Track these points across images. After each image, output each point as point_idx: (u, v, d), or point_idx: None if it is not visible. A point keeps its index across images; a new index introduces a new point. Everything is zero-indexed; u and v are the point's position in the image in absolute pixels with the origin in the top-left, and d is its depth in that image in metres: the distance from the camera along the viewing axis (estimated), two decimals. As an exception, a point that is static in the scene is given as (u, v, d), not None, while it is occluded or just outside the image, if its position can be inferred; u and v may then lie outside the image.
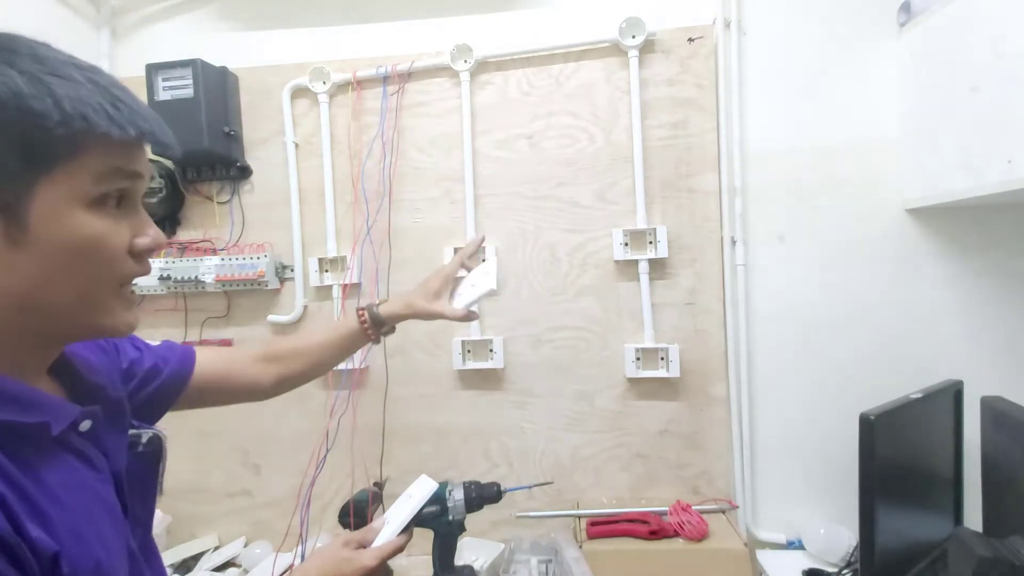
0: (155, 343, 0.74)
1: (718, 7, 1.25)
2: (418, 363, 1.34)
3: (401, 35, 1.36)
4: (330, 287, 1.35)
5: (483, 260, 1.22)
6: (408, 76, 1.32)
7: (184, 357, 0.76)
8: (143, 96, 1.30)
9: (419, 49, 1.32)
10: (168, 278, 1.34)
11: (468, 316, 0.95)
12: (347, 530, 0.90)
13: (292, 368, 0.89)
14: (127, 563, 0.53)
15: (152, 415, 0.71)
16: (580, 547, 1.14)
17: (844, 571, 1.13)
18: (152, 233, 0.50)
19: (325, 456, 1.29)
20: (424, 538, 1.09)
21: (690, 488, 1.29)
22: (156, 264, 1.34)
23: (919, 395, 1.06)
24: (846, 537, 1.16)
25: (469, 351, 1.32)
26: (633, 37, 1.24)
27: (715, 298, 1.27)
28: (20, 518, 0.42)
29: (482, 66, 1.31)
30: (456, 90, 1.31)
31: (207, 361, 0.79)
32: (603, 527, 1.18)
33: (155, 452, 0.60)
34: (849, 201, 1.25)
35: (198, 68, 1.26)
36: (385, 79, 1.33)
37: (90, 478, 0.51)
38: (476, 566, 1.17)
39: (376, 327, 0.93)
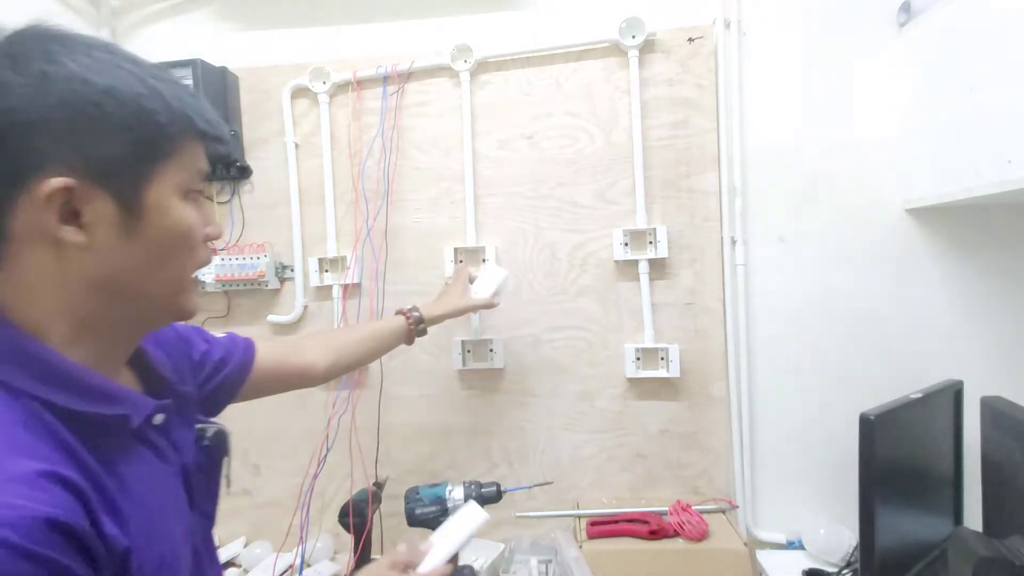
0: (220, 335, 0.78)
1: (718, 7, 1.25)
2: (418, 363, 1.34)
3: (401, 35, 1.36)
4: (330, 287, 1.35)
5: (484, 260, 1.30)
6: (408, 76, 1.32)
7: (247, 348, 0.80)
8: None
9: (419, 49, 1.32)
10: (168, 278, 1.34)
11: (492, 303, 1.17)
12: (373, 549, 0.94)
13: (344, 358, 0.96)
14: (191, 557, 0.55)
15: (218, 406, 0.74)
16: (580, 547, 1.14)
17: (844, 571, 1.14)
18: (216, 223, 0.55)
19: (325, 456, 1.29)
20: (424, 538, 1.09)
21: (690, 488, 1.29)
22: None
23: (919, 395, 1.06)
24: (846, 537, 1.16)
25: (469, 351, 1.32)
26: (633, 37, 1.24)
27: (715, 298, 1.27)
28: (97, 512, 0.43)
29: (482, 66, 1.31)
30: (456, 90, 1.31)
31: (265, 351, 0.82)
32: (603, 527, 1.18)
33: (219, 447, 0.62)
34: (849, 201, 1.25)
35: (198, 68, 1.26)
36: (385, 79, 1.33)
37: (161, 471, 0.53)
38: (476, 566, 1.17)
39: (419, 331, 1.07)
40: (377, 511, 1.15)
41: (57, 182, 0.43)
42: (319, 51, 1.37)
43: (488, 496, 1.07)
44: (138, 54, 0.50)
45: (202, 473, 0.59)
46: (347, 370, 1.00)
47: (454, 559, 0.75)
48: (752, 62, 1.26)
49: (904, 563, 1.04)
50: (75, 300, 0.47)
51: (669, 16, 1.26)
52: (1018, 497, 0.95)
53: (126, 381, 0.55)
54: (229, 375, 0.74)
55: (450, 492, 1.05)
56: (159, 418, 0.53)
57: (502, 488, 1.08)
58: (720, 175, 1.26)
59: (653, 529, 1.14)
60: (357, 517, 1.11)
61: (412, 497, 1.07)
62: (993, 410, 1.03)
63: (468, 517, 0.82)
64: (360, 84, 1.33)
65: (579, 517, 1.24)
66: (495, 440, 1.34)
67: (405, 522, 1.07)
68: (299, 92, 1.36)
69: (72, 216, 0.45)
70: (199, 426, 0.60)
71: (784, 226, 1.27)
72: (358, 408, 1.32)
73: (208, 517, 0.61)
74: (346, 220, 1.35)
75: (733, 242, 1.26)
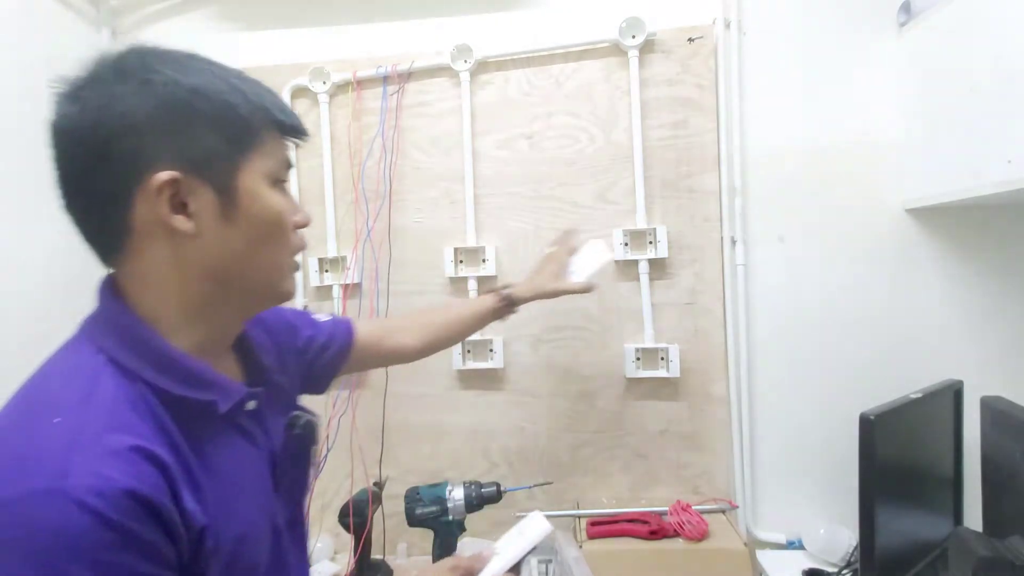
0: (324, 319, 0.83)
1: (718, 7, 1.25)
2: (418, 363, 1.33)
3: (401, 35, 1.36)
4: (330, 287, 1.35)
5: (589, 241, 1.15)
6: (408, 76, 1.32)
7: (347, 330, 0.84)
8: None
9: (419, 49, 1.32)
10: (168, 278, 1.34)
11: (589, 287, 1.07)
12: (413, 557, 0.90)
13: (439, 337, 1.00)
14: (270, 537, 0.57)
15: (323, 384, 0.81)
16: (580, 547, 1.14)
17: (844, 571, 1.14)
18: (303, 211, 0.59)
19: (325, 456, 1.29)
20: (424, 538, 1.09)
21: (690, 488, 1.29)
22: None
23: (919, 395, 1.06)
24: (846, 537, 1.16)
25: (469, 351, 1.32)
26: (633, 37, 1.24)
27: (715, 298, 1.27)
28: (180, 490, 0.46)
29: (482, 66, 1.31)
30: (456, 90, 1.31)
31: (363, 332, 0.87)
32: (603, 527, 1.18)
33: (309, 435, 0.65)
34: (849, 201, 1.25)
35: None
36: (385, 79, 1.33)
37: (249, 454, 0.56)
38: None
39: (510, 311, 1.06)
40: (377, 511, 1.16)
41: (165, 175, 0.48)
42: (319, 51, 1.37)
43: (488, 496, 1.07)
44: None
45: (289, 459, 0.61)
46: (439, 347, 1.02)
47: (515, 569, 0.75)
48: (752, 62, 1.26)
49: (904, 563, 1.04)
50: (188, 287, 0.51)
51: (669, 16, 1.26)
52: (1018, 497, 0.95)
53: (228, 366, 0.59)
54: (332, 356, 0.80)
55: (450, 492, 1.05)
56: (251, 404, 0.56)
57: (502, 488, 1.08)
58: (720, 175, 1.26)
59: (653, 529, 1.14)
60: (357, 517, 1.11)
61: (412, 497, 1.07)
62: (993, 410, 1.03)
63: (533, 526, 0.81)
64: (360, 84, 1.33)
65: (579, 517, 1.23)
66: (495, 440, 1.34)
67: (405, 522, 1.07)
68: (299, 92, 1.35)
69: (181, 207, 0.49)
70: (292, 414, 0.64)
71: (784, 226, 1.27)
72: (358, 408, 1.32)
73: (296, 503, 0.65)
74: (346, 220, 1.35)
75: (733, 242, 1.26)
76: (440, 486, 1.07)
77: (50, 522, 0.39)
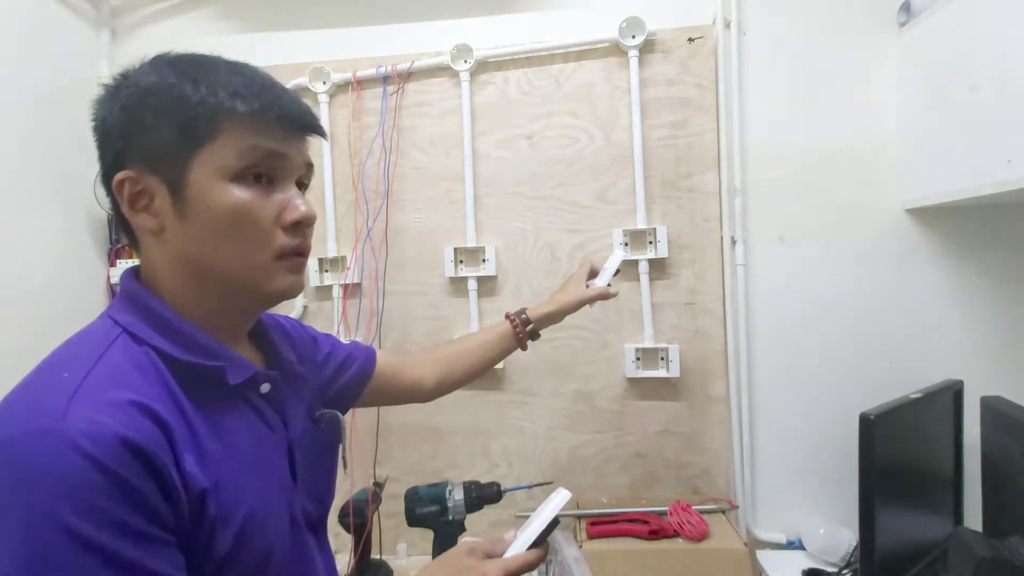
0: (345, 342, 0.82)
1: (718, 7, 1.25)
2: (418, 363, 1.34)
3: (401, 35, 1.36)
4: (330, 287, 1.35)
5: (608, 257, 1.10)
6: (408, 76, 1.32)
7: (368, 356, 0.83)
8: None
9: (419, 49, 1.32)
10: (168, 278, 1.34)
11: (608, 293, 1.02)
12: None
13: (452, 371, 0.94)
14: (288, 527, 0.57)
15: (340, 408, 0.75)
16: (580, 547, 1.14)
17: (844, 571, 1.13)
18: (302, 207, 0.55)
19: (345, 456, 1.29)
20: (424, 538, 1.09)
21: (690, 488, 1.29)
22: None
23: (919, 395, 1.06)
24: (846, 537, 1.16)
25: (469, 351, 1.32)
26: (633, 37, 1.24)
27: (715, 298, 1.27)
28: (180, 449, 0.47)
29: (482, 66, 1.31)
30: (456, 90, 1.31)
31: (384, 361, 0.85)
32: (603, 527, 1.18)
33: (332, 429, 0.65)
34: (849, 201, 1.25)
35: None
36: (385, 79, 1.33)
37: (263, 436, 0.56)
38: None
39: (527, 333, 0.98)
40: (377, 511, 1.15)
41: (121, 174, 0.51)
42: (319, 51, 1.37)
43: (488, 496, 1.07)
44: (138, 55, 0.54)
45: (309, 451, 0.61)
46: (458, 384, 0.96)
47: (544, 545, 0.70)
48: (752, 62, 1.26)
49: (904, 563, 1.04)
50: (175, 275, 0.53)
51: (669, 16, 1.27)
52: (1018, 497, 0.95)
53: (246, 351, 0.60)
54: (351, 378, 0.79)
55: (450, 492, 1.05)
56: (265, 387, 0.57)
57: (502, 488, 1.08)
58: (720, 175, 1.26)
59: (653, 529, 1.14)
60: (357, 517, 1.11)
61: (412, 497, 1.07)
62: (993, 410, 1.03)
63: (552, 500, 0.77)
64: (360, 84, 1.33)
65: (579, 517, 1.23)
66: (495, 440, 1.34)
67: (405, 522, 1.07)
68: (299, 92, 1.35)
69: (148, 204, 0.51)
70: (319, 411, 0.65)
71: (784, 226, 1.27)
72: (358, 408, 1.32)
73: (319, 499, 0.64)
74: (346, 220, 1.35)
75: (733, 242, 1.26)
76: (440, 486, 1.07)
77: (43, 460, 0.40)
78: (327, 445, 0.65)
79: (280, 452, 0.58)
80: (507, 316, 0.99)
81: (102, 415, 0.43)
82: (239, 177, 0.51)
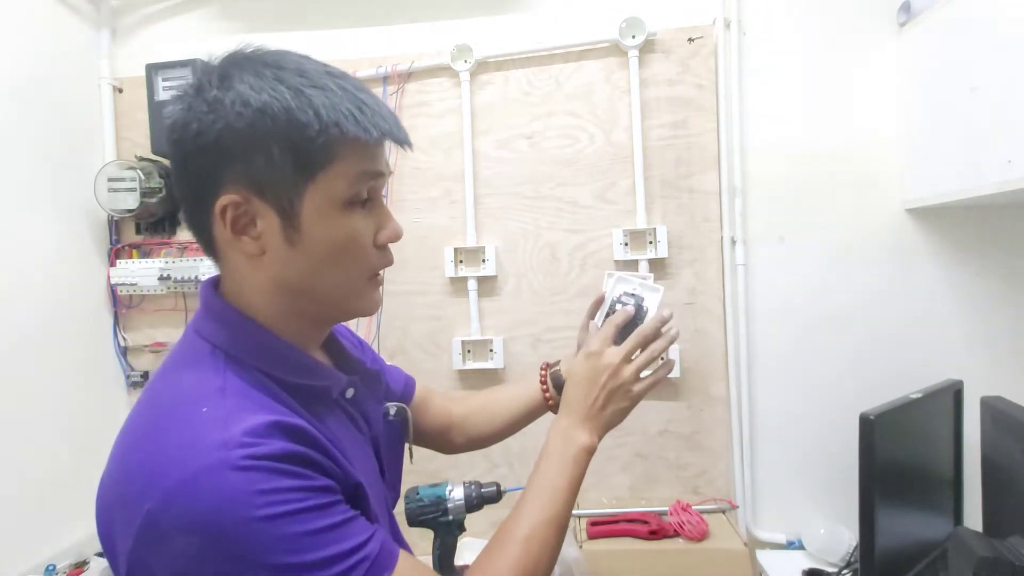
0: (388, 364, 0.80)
1: (718, 7, 1.25)
2: (418, 363, 1.34)
3: (401, 35, 1.36)
4: (330, 287, 1.35)
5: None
6: (408, 76, 1.32)
7: (408, 383, 0.81)
8: (142, 96, 1.30)
9: (419, 49, 1.32)
10: (168, 278, 1.34)
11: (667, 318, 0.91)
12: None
13: (480, 430, 0.89)
14: (388, 523, 0.59)
15: None
16: (580, 547, 1.14)
17: (844, 571, 1.13)
18: (392, 227, 0.56)
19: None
20: (424, 538, 1.09)
21: (690, 488, 1.29)
22: (156, 264, 1.34)
23: (919, 395, 1.06)
24: (846, 537, 1.16)
25: (469, 351, 1.32)
26: (633, 37, 1.24)
27: (715, 298, 1.27)
28: (329, 449, 0.49)
29: (482, 66, 1.31)
30: (456, 90, 1.31)
31: (421, 394, 0.83)
32: (603, 527, 1.18)
33: (402, 422, 0.67)
34: (849, 201, 1.25)
35: (198, 68, 1.26)
36: (385, 79, 1.33)
37: (357, 438, 0.59)
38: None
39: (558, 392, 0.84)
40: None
41: (226, 199, 0.49)
42: (319, 51, 1.33)
43: (488, 496, 1.06)
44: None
45: (388, 445, 0.64)
46: (490, 443, 0.89)
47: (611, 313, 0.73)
48: (752, 62, 1.26)
49: (904, 563, 1.04)
50: (268, 295, 0.53)
51: (669, 16, 1.27)
52: (1018, 497, 0.95)
53: (322, 359, 0.61)
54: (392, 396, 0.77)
55: (450, 492, 1.05)
56: (350, 392, 0.59)
57: (502, 488, 1.08)
58: (720, 175, 1.26)
59: (653, 529, 1.14)
60: (357, 517, 1.11)
61: (412, 497, 1.06)
62: (993, 410, 1.03)
63: (610, 284, 0.75)
64: (360, 84, 1.33)
65: (579, 517, 1.23)
66: (495, 440, 1.33)
67: (405, 522, 1.07)
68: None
69: (249, 225, 0.50)
70: (386, 404, 0.66)
71: (784, 226, 1.27)
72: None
73: (395, 489, 0.67)
74: (346, 220, 1.35)
75: (733, 242, 1.26)
76: (440, 486, 1.06)
77: (227, 491, 0.42)
78: (397, 437, 0.68)
79: (369, 451, 0.61)
80: (540, 374, 0.85)
81: (258, 437, 0.44)
82: (349, 203, 0.51)
